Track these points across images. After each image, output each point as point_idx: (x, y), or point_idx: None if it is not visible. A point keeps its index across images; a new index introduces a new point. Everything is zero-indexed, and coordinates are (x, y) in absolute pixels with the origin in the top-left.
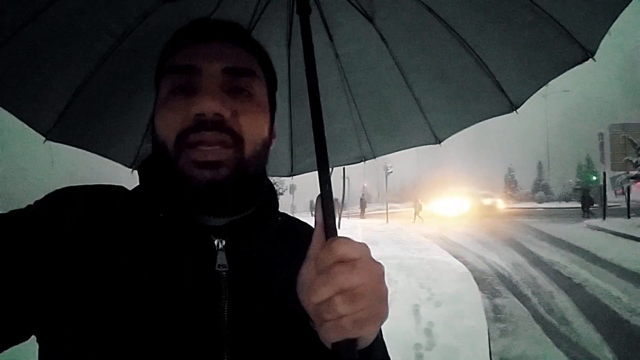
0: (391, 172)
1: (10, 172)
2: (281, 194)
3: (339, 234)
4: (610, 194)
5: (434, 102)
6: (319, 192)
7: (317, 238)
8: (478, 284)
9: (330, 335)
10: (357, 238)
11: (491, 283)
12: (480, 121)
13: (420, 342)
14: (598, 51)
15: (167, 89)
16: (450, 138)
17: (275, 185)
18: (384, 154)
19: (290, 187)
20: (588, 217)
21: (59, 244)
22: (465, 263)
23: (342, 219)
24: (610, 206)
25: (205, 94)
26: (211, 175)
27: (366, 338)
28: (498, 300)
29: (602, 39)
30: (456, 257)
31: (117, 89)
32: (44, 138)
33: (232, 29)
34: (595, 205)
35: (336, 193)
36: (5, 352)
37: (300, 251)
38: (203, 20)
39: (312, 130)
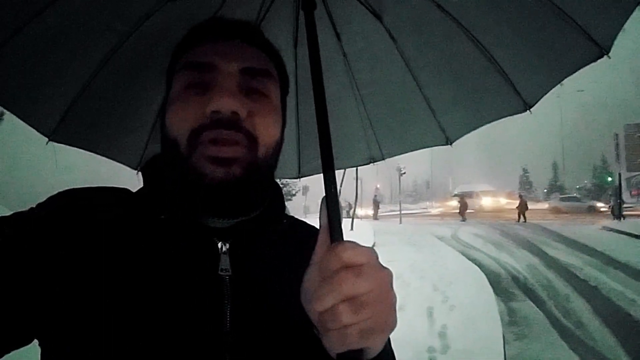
0: (404, 173)
1: (15, 174)
2: (294, 195)
3: (349, 237)
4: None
5: (445, 101)
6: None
7: (322, 242)
8: (492, 286)
9: (334, 346)
10: (369, 240)
11: (506, 286)
12: (492, 121)
13: (434, 345)
14: (613, 50)
15: (181, 85)
16: (463, 138)
17: (288, 187)
18: (394, 156)
19: (303, 189)
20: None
21: (61, 246)
22: (480, 265)
23: (354, 220)
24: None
25: (222, 92)
26: (224, 173)
27: (373, 348)
28: (513, 304)
29: (616, 35)
30: (470, 259)
31: (121, 89)
32: (47, 139)
33: (250, 29)
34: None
35: (349, 195)
36: (7, 355)
37: (306, 255)
38: (220, 18)
39: (317, 130)
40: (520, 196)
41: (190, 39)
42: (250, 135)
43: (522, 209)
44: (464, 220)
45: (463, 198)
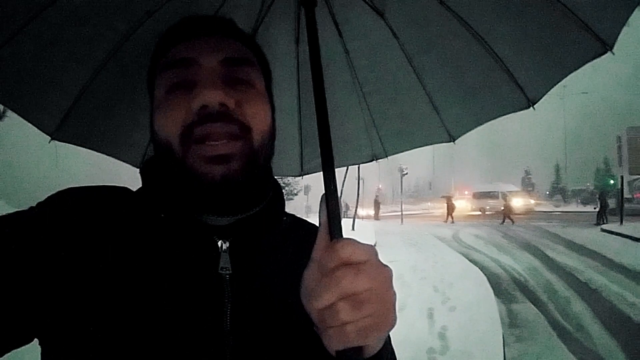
0: (406, 173)
1: (15, 173)
2: (296, 194)
3: (350, 236)
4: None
5: (448, 98)
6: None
7: (321, 239)
8: (493, 288)
9: (333, 343)
10: (371, 240)
11: (506, 288)
12: (496, 117)
13: (433, 346)
14: (617, 53)
15: (164, 87)
16: (466, 139)
17: (289, 186)
18: (397, 153)
19: (305, 188)
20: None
21: (61, 245)
22: (481, 267)
23: (355, 220)
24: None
25: (206, 85)
26: (223, 171)
27: (372, 346)
28: (513, 306)
29: (620, 31)
30: (471, 260)
31: (124, 87)
32: (49, 138)
33: (223, 22)
34: None
35: (351, 194)
36: (7, 355)
37: (307, 253)
38: (193, 16)
39: (317, 126)
40: (505, 199)
41: (166, 40)
42: (243, 124)
43: (508, 211)
44: (452, 222)
45: (450, 199)
